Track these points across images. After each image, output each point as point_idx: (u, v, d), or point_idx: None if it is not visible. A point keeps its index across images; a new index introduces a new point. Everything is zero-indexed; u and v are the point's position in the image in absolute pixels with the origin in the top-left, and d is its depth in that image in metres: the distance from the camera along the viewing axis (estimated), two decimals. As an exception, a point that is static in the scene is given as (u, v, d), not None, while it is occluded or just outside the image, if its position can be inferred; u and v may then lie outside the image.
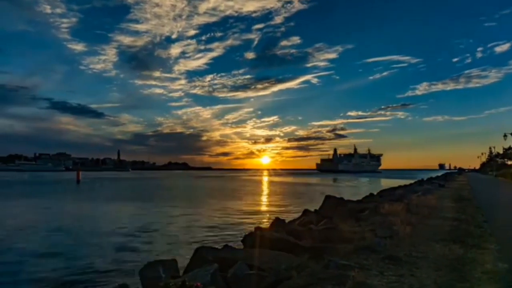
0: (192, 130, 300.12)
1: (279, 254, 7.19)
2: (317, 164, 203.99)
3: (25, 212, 25.22)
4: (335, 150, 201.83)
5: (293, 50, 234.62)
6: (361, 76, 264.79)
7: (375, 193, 25.96)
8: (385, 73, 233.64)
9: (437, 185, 33.17)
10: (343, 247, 7.23)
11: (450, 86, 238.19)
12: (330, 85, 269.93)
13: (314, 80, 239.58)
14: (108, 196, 39.57)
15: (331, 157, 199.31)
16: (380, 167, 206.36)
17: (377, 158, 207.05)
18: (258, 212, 26.04)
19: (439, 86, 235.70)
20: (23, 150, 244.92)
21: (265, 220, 21.21)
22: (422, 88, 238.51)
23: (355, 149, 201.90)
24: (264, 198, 39.91)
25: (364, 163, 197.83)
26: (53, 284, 9.63)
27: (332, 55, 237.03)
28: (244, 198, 38.53)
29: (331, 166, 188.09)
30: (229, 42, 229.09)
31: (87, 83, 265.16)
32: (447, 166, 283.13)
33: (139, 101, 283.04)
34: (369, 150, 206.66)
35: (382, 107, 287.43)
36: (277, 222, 12.67)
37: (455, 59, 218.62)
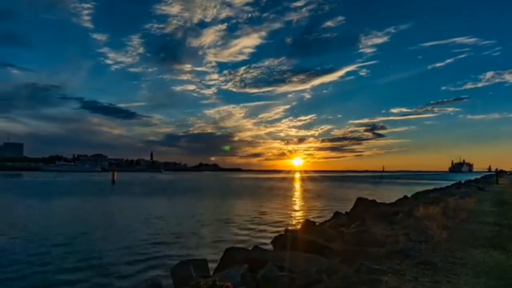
0: (223, 130, 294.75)
1: (309, 256, 7.12)
2: (449, 168, 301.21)
3: (59, 211, 26.43)
4: (452, 161, 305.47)
5: (335, 34, 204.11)
6: (413, 66, 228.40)
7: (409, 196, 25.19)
8: (449, 60, 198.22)
9: (476, 188, 31.73)
10: (376, 251, 7.06)
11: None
12: (375, 77, 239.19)
13: (358, 72, 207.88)
14: (143, 196, 40.74)
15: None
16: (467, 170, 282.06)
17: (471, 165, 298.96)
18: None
19: (506, 77, 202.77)
20: (63, 151, 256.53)
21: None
22: (485, 79, 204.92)
23: (463, 160, 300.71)
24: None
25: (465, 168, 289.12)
26: (86, 280, 10.00)
27: (382, 39, 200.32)
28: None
29: (457, 169, 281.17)
30: (265, 25, 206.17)
31: (115, 80, 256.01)
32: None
33: (169, 98, 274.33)
34: (463, 160, 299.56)
35: (431, 102, 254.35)
36: (308, 224, 12.58)
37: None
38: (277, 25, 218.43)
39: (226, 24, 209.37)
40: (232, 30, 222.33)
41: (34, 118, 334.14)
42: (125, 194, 44.09)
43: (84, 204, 31.55)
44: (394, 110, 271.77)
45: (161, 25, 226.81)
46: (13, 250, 13.48)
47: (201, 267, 6.77)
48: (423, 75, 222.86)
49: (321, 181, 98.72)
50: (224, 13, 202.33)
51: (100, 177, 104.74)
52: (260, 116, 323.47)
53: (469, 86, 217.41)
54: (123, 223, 20.45)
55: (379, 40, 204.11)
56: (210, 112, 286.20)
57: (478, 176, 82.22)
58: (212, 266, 7.54)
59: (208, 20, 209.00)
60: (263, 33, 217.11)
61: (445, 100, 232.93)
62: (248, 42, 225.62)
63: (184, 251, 13.39)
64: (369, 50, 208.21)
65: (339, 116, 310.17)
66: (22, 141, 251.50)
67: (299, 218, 23.29)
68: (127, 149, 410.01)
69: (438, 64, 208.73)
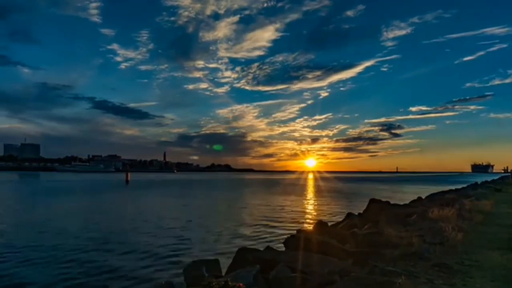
0: (236, 130, 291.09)
1: (322, 257, 7.08)
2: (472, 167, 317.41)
3: (77, 211, 26.87)
4: (474, 164, 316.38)
5: (354, 25, 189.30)
6: (438, 60, 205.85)
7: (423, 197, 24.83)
8: (480, 53, 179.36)
9: (493, 189, 31.05)
10: (389, 252, 6.97)
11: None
12: (396, 73, 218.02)
13: (377, 67, 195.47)
14: (156, 196, 41.14)
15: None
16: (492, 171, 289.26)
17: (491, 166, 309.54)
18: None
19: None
20: (78, 152, 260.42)
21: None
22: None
23: (489, 163, 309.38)
24: None
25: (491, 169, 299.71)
26: (101, 279, 10.13)
27: (405, 31, 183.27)
28: None
29: (482, 170, 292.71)
30: (281, 16, 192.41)
31: (125, 78, 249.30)
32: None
33: (181, 97, 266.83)
34: (489, 162, 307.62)
35: (454, 100, 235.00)
36: (320, 225, 12.50)
37: None
38: (294, 16, 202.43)
39: (240, 15, 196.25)
40: (247, 22, 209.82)
41: (47, 118, 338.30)
42: (138, 194, 44.63)
43: (100, 204, 32.13)
44: (413, 109, 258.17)
45: (172, 18, 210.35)
46: (30, 246, 13.77)
47: (213, 267, 6.80)
48: (448, 71, 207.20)
49: (334, 182, 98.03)
50: (238, 3, 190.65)
51: (114, 178, 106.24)
52: (273, 115, 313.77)
53: (496, 82, 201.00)
54: (135, 223, 20.65)
55: (402, 32, 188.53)
56: (222, 111, 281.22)
57: (496, 177, 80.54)
58: (224, 265, 7.56)
59: (221, 11, 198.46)
60: (278, 25, 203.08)
61: (467, 97, 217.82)
62: (263, 35, 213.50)
63: (197, 251, 13.46)
64: (390, 43, 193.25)
65: (356, 115, 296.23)
66: (37, 142, 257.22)
67: (311, 218, 23.18)
68: (140, 150, 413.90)
69: (466, 58, 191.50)
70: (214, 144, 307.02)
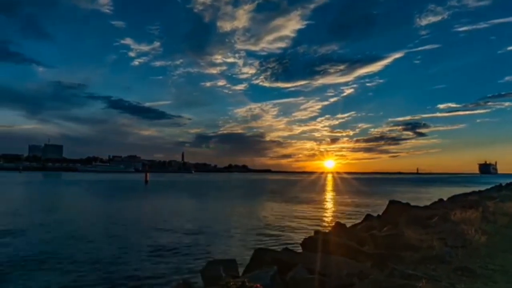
0: (254, 131, 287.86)
1: (340, 259, 7.00)
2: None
3: (94, 211, 27.46)
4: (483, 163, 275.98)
5: (383, 11, 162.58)
6: (478, 50, 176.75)
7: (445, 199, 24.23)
8: None
9: (518, 191, 30.04)
10: (409, 255, 6.83)
11: None
12: (427, 66, 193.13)
13: (407, 59, 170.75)
14: (173, 196, 41.62)
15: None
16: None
17: None
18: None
19: None
20: (99, 152, 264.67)
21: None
22: None
23: None
24: None
25: None
26: (119, 279, 10.30)
27: (441, 16, 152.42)
28: None
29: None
30: (306, 2, 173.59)
31: (139, 76, 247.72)
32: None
33: (198, 96, 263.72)
34: None
35: (488, 95, 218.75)
36: (338, 226, 12.37)
37: None
38: (320, 1, 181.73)
39: (260, 1, 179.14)
40: (268, 9, 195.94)
41: (66, 119, 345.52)
42: (156, 194, 45.37)
43: (121, 202, 32.73)
44: (441, 106, 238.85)
45: (187, 6, 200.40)
46: (43, 245, 14.15)
47: (231, 267, 6.81)
48: (487, 62, 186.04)
49: (353, 182, 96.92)
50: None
51: (134, 178, 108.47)
52: (293, 114, 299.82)
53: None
54: (153, 222, 20.92)
55: (437, 18, 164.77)
56: (240, 111, 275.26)
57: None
58: (241, 265, 7.57)
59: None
60: (301, 12, 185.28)
61: (503, 93, 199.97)
62: (285, 24, 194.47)
63: (214, 251, 13.54)
64: (423, 32, 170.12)
65: (380, 113, 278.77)
66: (59, 143, 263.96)
67: (329, 220, 22.98)
68: (159, 150, 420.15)
69: (511, 47, 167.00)
70: (231, 144, 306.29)
